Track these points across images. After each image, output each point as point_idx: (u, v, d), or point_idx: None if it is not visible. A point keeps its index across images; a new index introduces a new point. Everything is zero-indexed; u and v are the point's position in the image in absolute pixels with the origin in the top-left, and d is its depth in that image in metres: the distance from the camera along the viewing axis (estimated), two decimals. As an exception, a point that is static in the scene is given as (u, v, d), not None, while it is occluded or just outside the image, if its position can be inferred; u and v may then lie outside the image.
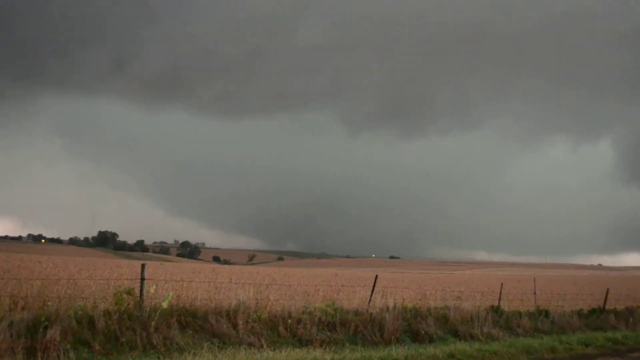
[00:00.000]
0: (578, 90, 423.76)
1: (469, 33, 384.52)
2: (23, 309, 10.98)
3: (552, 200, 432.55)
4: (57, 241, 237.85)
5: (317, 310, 13.53)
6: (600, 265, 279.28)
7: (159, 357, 10.17)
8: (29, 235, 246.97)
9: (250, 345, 11.57)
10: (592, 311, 20.15)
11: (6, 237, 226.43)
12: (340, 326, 13.36)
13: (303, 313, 13.32)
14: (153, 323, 10.96)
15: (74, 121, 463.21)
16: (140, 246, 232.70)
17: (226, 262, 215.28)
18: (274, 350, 11.36)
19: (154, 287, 12.29)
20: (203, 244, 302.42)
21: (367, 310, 14.43)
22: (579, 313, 19.55)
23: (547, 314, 18.47)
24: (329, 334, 12.96)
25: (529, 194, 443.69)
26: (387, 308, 14.68)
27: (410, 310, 15.13)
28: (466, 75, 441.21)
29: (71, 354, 9.53)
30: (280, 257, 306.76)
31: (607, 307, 20.92)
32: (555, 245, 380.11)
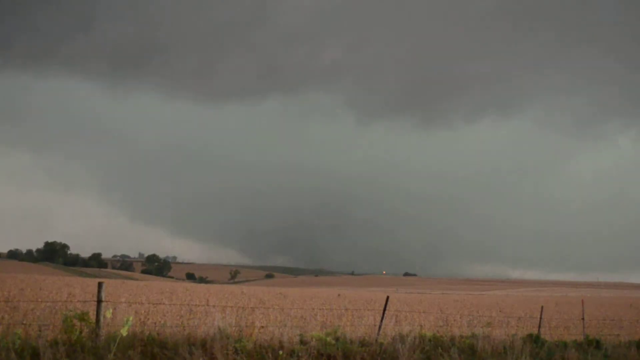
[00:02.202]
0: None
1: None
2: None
3: (616, 207, 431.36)
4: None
5: (314, 339, 13.50)
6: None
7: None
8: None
9: (232, 382, 11.53)
10: (654, 341, 20.13)
11: None
12: (343, 359, 13.33)
13: (297, 343, 13.30)
14: (111, 355, 10.93)
15: (11, 101, 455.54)
16: (96, 260, 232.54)
17: (203, 280, 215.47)
18: (261, 389, 11.33)
19: (111, 310, 12.25)
20: (174, 258, 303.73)
21: (376, 340, 14.41)
22: (639, 344, 19.53)
23: (598, 344, 18.44)
24: (329, 369, 12.93)
25: (583, 199, 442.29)
26: (401, 337, 14.65)
27: (430, 340, 15.11)
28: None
29: (10, 394, 9.50)
30: (270, 273, 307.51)
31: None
32: (609, 261, 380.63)
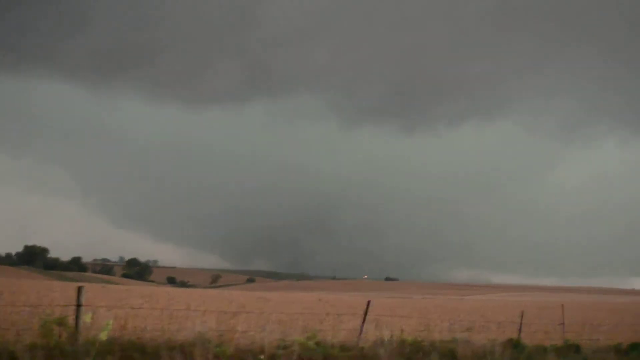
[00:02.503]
0: (634, 64, 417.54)
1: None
2: None
3: (602, 213, 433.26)
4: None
5: (295, 344, 13.50)
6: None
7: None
8: None
9: (212, 387, 11.50)
10: (634, 346, 20.30)
11: None
12: (324, 364, 13.34)
13: (278, 347, 13.28)
14: (90, 360, 10.86)
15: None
16: (76, 264, 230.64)
17: (184, 285, 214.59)
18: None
19: (91, 315, 12.18)
20: (155, 261, 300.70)
21: (357, 345, 14.43)
22: (617, 348, 19.70)
23: (578, 349, 18.60)
24: (309, 373, 12.94)
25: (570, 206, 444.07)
26: (382, 341, 14.69)
27: (410, 345, 15.16)
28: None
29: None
30: (251, 278, 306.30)
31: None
32: (589, 265, 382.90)
